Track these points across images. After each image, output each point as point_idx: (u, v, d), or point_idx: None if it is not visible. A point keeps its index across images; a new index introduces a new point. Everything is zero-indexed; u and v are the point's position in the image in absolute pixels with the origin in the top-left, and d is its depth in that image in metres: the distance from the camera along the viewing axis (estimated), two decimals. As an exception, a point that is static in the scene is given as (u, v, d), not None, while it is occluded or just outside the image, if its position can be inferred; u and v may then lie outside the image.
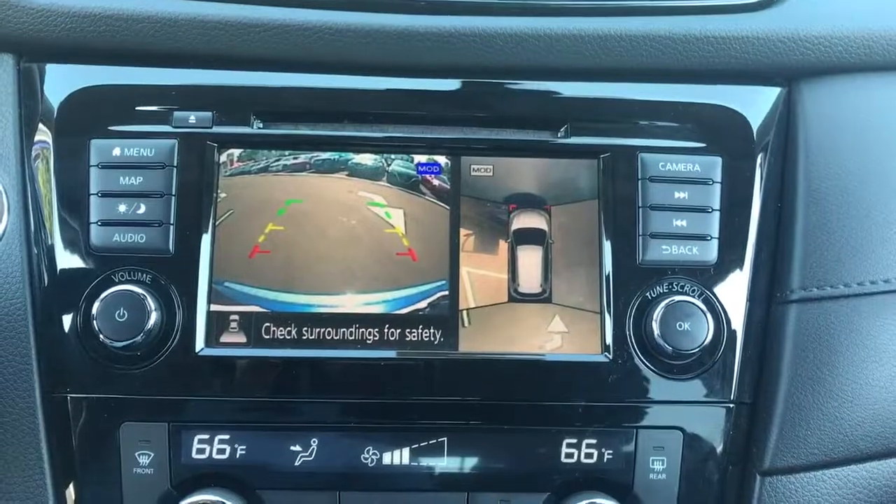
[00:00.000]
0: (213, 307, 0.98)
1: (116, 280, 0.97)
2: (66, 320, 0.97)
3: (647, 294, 1.00)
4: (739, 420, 1.02)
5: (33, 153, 1.01)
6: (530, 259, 1.02)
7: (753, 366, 1.02)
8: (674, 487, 1.00)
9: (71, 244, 0.99)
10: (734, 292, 1.02)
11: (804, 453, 1.01)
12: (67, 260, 0.99)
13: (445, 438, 0.99)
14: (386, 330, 0.99)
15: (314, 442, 0.99)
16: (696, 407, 1.01)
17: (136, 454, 0.97)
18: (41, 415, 0.98)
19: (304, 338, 0.99)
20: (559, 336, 1.00)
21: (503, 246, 1.02)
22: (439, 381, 0.99)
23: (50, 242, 0.99)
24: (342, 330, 0.99)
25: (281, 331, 0.99)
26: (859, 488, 1.02)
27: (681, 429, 1.00)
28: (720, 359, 1.00)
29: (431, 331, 1.00)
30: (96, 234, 0.98)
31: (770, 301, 1.03)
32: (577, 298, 1.01)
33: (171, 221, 0.99)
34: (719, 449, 1.01)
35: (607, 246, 1.01)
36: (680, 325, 0.98)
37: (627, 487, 1.00)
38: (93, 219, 0.99)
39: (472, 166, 1.04)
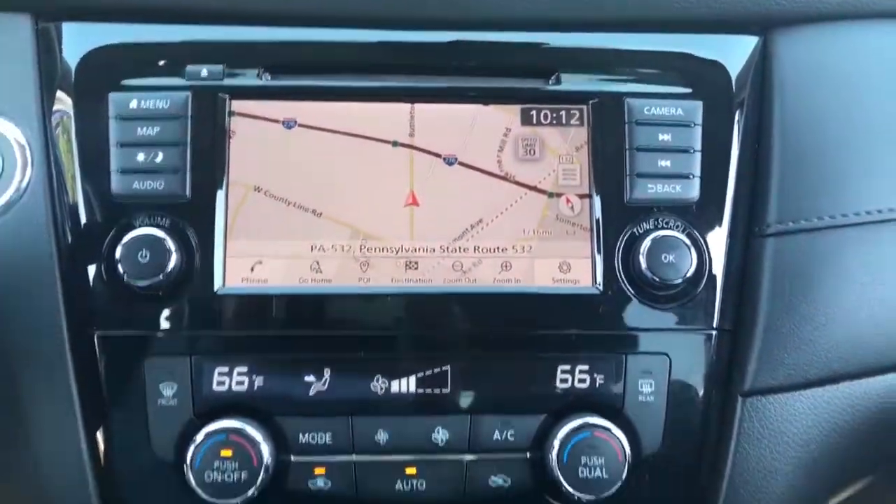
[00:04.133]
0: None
1: (137, 224, 1.02)
2: (91, 263, 1.02)
3: (635, 230, 1.06)
4: (721, 346, 1.07)
5: (54, 109, 1.05)
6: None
7: (734, 295, 1.07)
8: (661, 408, 1.05)
9: (93, 193, 1.03)
10: (715, 227, 1.07)
11: (782, 375, 1.07)
12: (90, 207, 1.03)
13: (448, 367, 1.04)
14: None
15: (327, 372, 1.04)
16: (681, 334, 1.06)
17: (161, 386, 1.02)
18: (70, 353, 1.02)
19: None
20: (554, 270, 1.06)
21: None
22: (444, 313, 1.05)
23: (73, 192, 1.03)
24: None
25: None
26: (833, 406, 1.08)
27: (667, 354, 1.05)
28: (703, 289, 1.06)
29: None
30: (117, 182, 1.03)
31: (749, 235, 1.08)
32: (571, 235, 1.07)
33: (187, 168, 1.03)
34: (703, 372, 1.06)
35: (597, 186, 1.07)
36: (665, 258, 1.03)
37: (618, 408, 1.05)
38: (113, 168, 1.03)
39: None
